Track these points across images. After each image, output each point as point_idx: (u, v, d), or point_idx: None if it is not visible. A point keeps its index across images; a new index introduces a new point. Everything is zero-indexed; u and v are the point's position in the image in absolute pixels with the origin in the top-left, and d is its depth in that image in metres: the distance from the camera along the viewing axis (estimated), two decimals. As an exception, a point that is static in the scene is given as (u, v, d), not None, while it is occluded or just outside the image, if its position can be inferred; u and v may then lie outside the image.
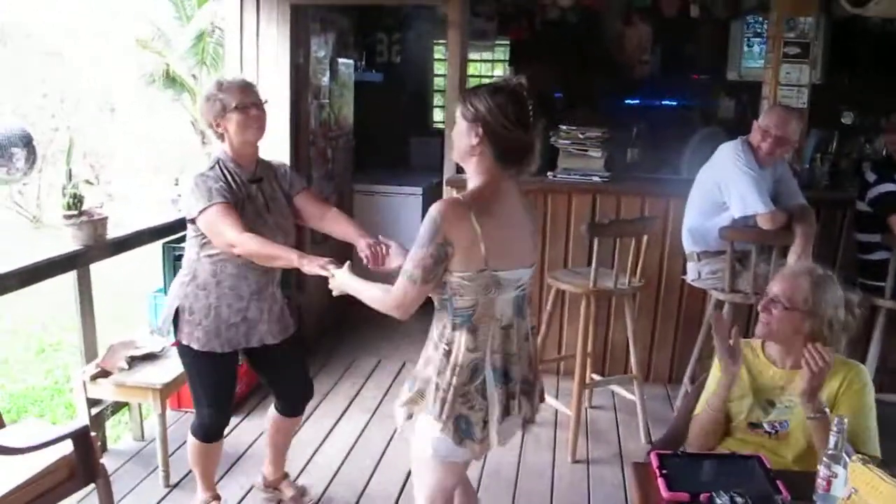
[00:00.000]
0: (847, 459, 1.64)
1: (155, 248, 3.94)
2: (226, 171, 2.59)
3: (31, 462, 2.41)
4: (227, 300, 2.65)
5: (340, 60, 5.40)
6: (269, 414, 3.06)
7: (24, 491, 2.34)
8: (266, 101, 2.68)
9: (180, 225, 3.95)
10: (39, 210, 9.94)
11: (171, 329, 2.71)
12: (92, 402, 3.29)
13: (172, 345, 3.51)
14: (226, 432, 2.92)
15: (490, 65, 7.47)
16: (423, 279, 1.94)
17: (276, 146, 3.89)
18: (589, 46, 6.51)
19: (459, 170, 4.34)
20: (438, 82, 7.30)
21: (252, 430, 3.74)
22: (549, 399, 3.39)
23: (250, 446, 3.60)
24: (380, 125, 6.44)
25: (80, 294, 3.33)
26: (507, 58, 7.20)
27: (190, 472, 3.17)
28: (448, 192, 4.25)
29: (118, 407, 3.62)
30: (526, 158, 2.00)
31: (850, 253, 4.00)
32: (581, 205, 4.27)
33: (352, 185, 5.73)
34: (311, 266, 2.31)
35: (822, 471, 1.66)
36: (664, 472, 1.81)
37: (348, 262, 2.26)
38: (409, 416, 2.10)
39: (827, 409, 2.00)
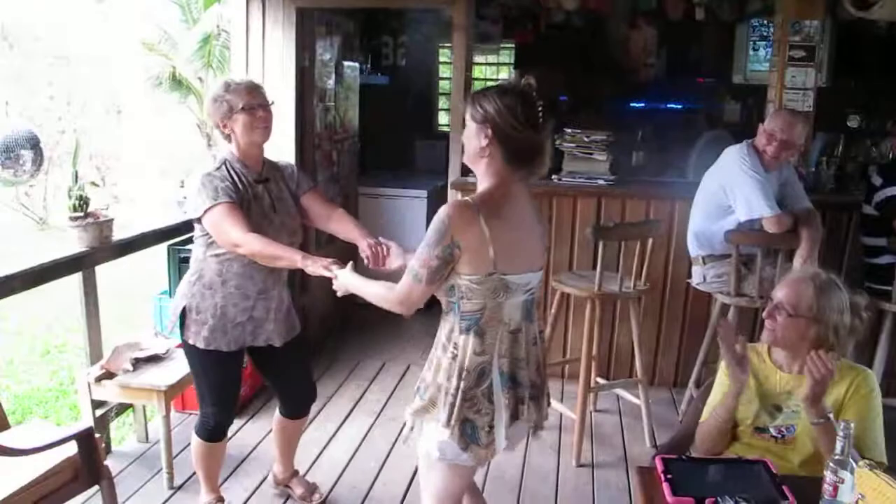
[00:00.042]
0: (854, 465, 1.63)
1: (160, 250, 3.95)
2: (232, 172, 2.60)
3: (35, 463, 2.41)
4: (233, 299, 2.66)
5: (346, 63, 5.41)
6: (275, 417, 3.09)
7: (28, 492, 2.34)
8: (273, 103, 2.69)
9: (186, 227, 3.96)
10: (46, 212, 9.96)
11: (178, 328, 2.72)
12: (96, 404, 3.30)
13: (178, 346, 3.52)
14: (230, 434, 2.93)
15: (495, 68, 7.48)
16: (428, 279, 1.94)
17: (281, 149, 3.90)
18: (594, 50, 6.52)
19: (464, 173, 4.35)
20: (443, 85, 7.31)
21: (256, 432, 3.75)
22: (553, 403, 3.38)
23: (254, 448, 3.60)
24: (385, 128, 6.46)
25: (85, 296, 3.33)
26: (512, 61, 7.21)
27: (194, 474, 3.17)
28: (453, 196, 4.25)
29: (123, 408, 3.62)
30: (536, 159, 1.98)
31: (856, 256, 3.99)
32: (586, 208, 4.26)
33: (357, 188, 5.74)
34: (315, 267, 2.31)
35: (828, 476, 1.65)
36: (669, 476, 1.80)
37: (351, 263, 2.27)
38: (418, 426, 2.09)
39: (831, 415, 1.99)
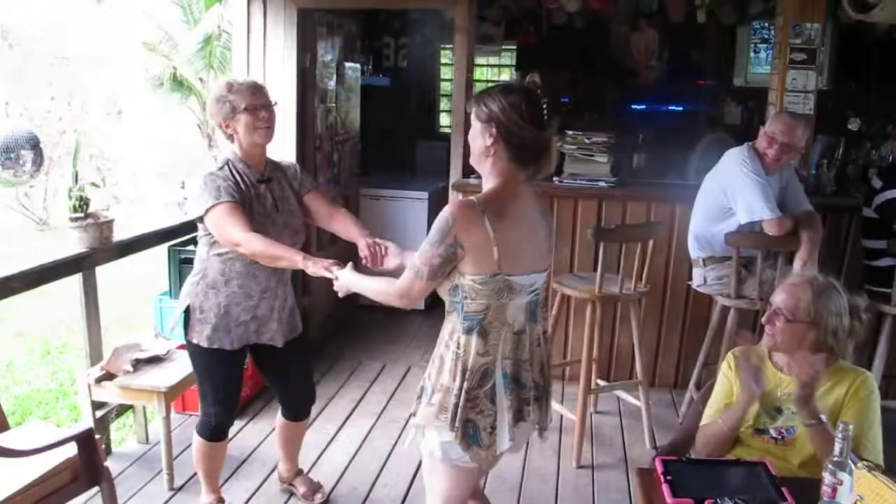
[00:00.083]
0: (853, 466, 1.63)
1: (161, 251, 3.95)
2: (235, 172, 2.61)
3: (35, 464, 2.41)
4: (236, 298, 2.67)
5: (347, 64, 5.41)
6: (277, 419, 3.10)
7: (28, 493, 2.34)
8: (276, 103, 2.70)
9: (186, 228, 3.97)
10: (46, 212, 9.96)
11: (182, 327, 2.73)
12: (96, 405, 3.30)
13: (178, 347, 3.53)
14: (230, 435, 2.93)
15: (496, 69, 7.48)
16: (429, 276, 1.94)
17: (282, 150, 3.91)
18: (595, 52, 6.53)
19: (465, 174, 4.36)
20: (445, 87, 7.32)
21: (257, 433, 3.75)
22: (554, 404, 3.37)
23: (255, 449, 3.60)
24: (386, 129, 6.46)
25: (85, 296, 3.33)
26: (514, 63, 7.22)
27: (194, 475, 3.18)
28: (454, 197, 4.25)
29: (123, 410, 3.63)
30: (542, 157, 1.99)
31: (856, 259, 3.99)
32: (587, 210, 4.26)
33: (358, 189, 5.74)
34: (316, 268, 2.32)
35: (827, 478, 1.65)
36: (668, 477, 1.80)
37: (350, 263, 2.28)
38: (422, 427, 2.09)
39: (823, 416, 1.99)
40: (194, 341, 2.70)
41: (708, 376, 3.36)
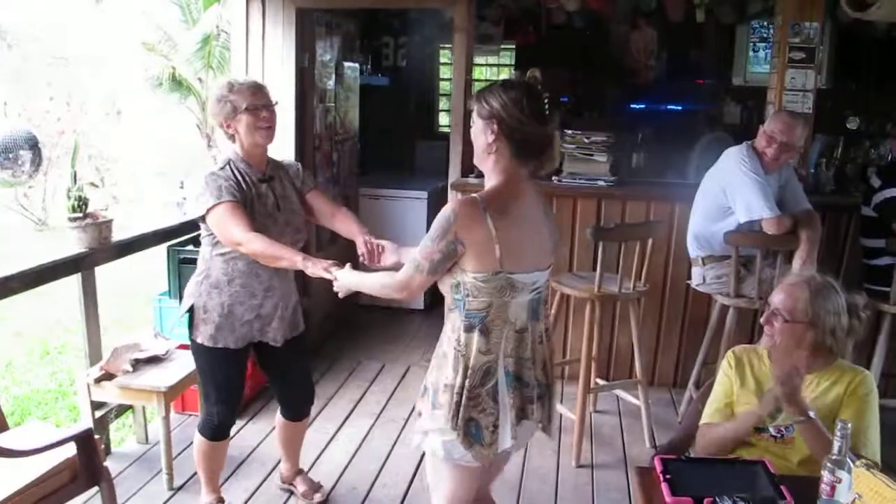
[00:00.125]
0: (851, 464, 1.63)
1: (160, 251, 3.95)
2: (236, 171, 2.62)
3: (34, 465, 2.41)
4: (239, 298, 2.68)
5: (346, 64, 5.41)
6: (277, 419, 3.11)
7: (27, 493, 2.34)
8: (277, 103, 2.70)
9: (185, 228, 3.97)
10: (45, 213, 9.96)
11: (187, 327, 2.74)
12: (96, 405, 3.29)
13: (178, 347, 3.53)
14: (231, 434, 2.93)
15: (496, 69, 7.49)
16: (430, 270, 1.95)
17: (281, 150, 3.90)
18: (594, 51, 6.54)
19: (465, 174, 4.36)
20: (444, 86, 7.32)
21: (256, 433, 3.75)
22: (553, 403, 3.38)
23: (255, 449, 3.60)
24: (385, 129, 6.46)
25: (84, 296, 3.33)
26: (513, 62, 7.23)
27: (194, 474, 3.18)
28: (454, 196, 4.25)
29: (122, 410, 3.63)
30: (544, 153, 1.98)
31: (855, 258, 3.99)
32: (586, 209, 4.26)
33: (357, 189, 5.74)
34: (315, 268, 2.33)
35: (825, 476, 1.65)
36: (668, 476, 1.80)
37: (349, 264, 2.29)
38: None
39: (811, 413, 1.99)
40: (198, 341, 2.71)
41: (707, 375, 3.36)
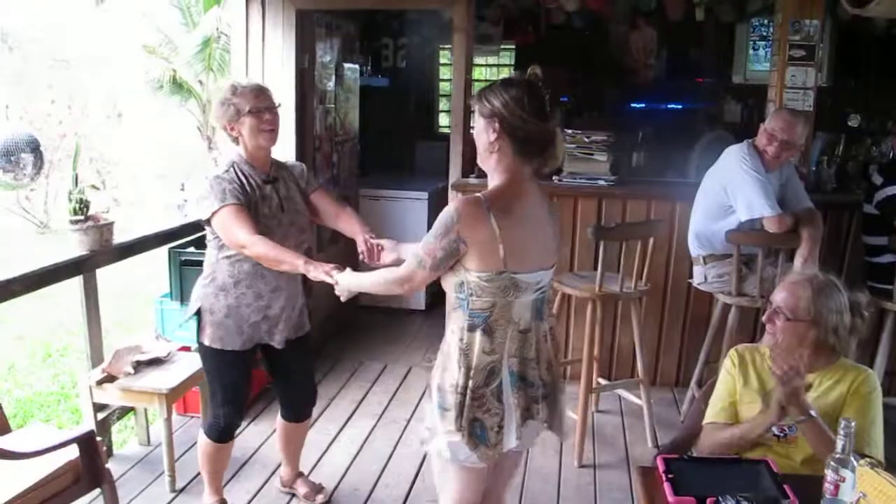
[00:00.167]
0: (855, 463, 1.63)
1: (161, 253, 3.95)
2: (240, 173, 2.63)
3: (36, 467, 2.41)
4: (246, 300, 2.69)
5: (346, 65, 5.41)
6: (277, 421, 3.11)
7: (29, 496, 2.34)
8: (280, 105, 2.72)
9: (186, 230, 3.98)
10: (47, 215, 9.97)
11: (195, 330, 2.74)
12: (98, 407, 3.29)
13: (180, 349, 3.53)
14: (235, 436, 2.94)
15: (495, 69, 7.48)
16: (432, 267, 1.95)
17: (281, 151, 3.89)
18: (594, 51, 6.54)
19: (465, 174, 4.36)
20: (444, 87, 7.32)
21: (258, 434, 3.74)
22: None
23: (256, 451, 3.59)
24: (385, 130, 6.46)
25: (86, 299, 3.33)
26: (513, 62, 7.22)
27: (196, 476, 3.18)
28: (454, 197, 4.25)
29: (124, 412, 3.63)
30: (547, 150, 1.97)
31: (857, 256, 3.98)
32: (587, 209, 4.26)
33: (357, 190, 5.74)
34: (317, 272, 2.35)
35: (829, 475, 1.64)
36: (670, 476, 1.80)
37: (349, 268, 2.29)
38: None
39: (813, 412, 1.98)
40: (206, 343, 2.72)
41: (709, 374, 3.36)
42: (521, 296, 1.97)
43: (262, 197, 2.65)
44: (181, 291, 3.81)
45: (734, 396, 2.23)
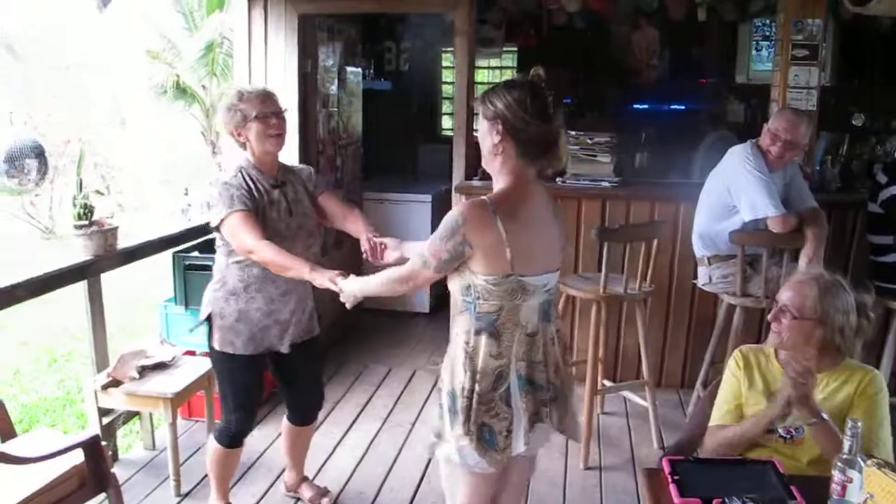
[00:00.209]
0: (862, 464, 1.62)
1: (166, 258, 3.95)
2: (248, 179, 2.64)
3: (42, 472, 2.41)
4: (256, 304, 2.69)
5: (348, 69, 5.42)
6: (283, 424, 3.11)
7: (35, 500, 2.34)
8: (286, 110, 2.73)
9: (190, 234, 3.98)
10: (52, 221, 10.00)
11: (206, 336, 2.75)
12: (103, 412, 3.30)
13: (185, 353, 3.53)
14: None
15: (498, 72, 7.48)
16: (436, 268, 1.95)
17: (284, 155, 3.89)
18: (596, 52, 6.53)
19: (468, 176, 4.35)
20: (446, 90, 7.32)
21: (264, 438, 3.74)
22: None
23: (261, 455, 3.59)
24: (388, 133, 6.46)
25: (90, 304, 3.34)
26: (515, 65, 7.22)
27: (201, 480, 3.19)
28: (457, 199, 4.25)
29: (129, 416, 3.63)
30: (550, 151, 1.97)
31: (862, 255, 3.97)
32: (590, 210, 4.26)
33: (361, 193, 5.75)
34: (322, 279, 2.35)
35: (836, 475, 1.64)
36: (676, 477, 1.80)
37: (352, 275, 2.29)
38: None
39: (825, 414, 1.97)
40: (217, 348, 2.73)
41: (715, 375, 3.34)
42: (529, 299, 1.96)
43: (271, 202, 2.66)
44: (185, 296, 3.81)
45: (740, 399, 2.22)
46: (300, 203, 2.76)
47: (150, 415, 3.58)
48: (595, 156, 4.28)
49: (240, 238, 2.53)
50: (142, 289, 6.30)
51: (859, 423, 1.64)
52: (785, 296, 2.16)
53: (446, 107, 7.39)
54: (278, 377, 3.04)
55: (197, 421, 3.83)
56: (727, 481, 1.82)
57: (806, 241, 3.36)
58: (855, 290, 2.14)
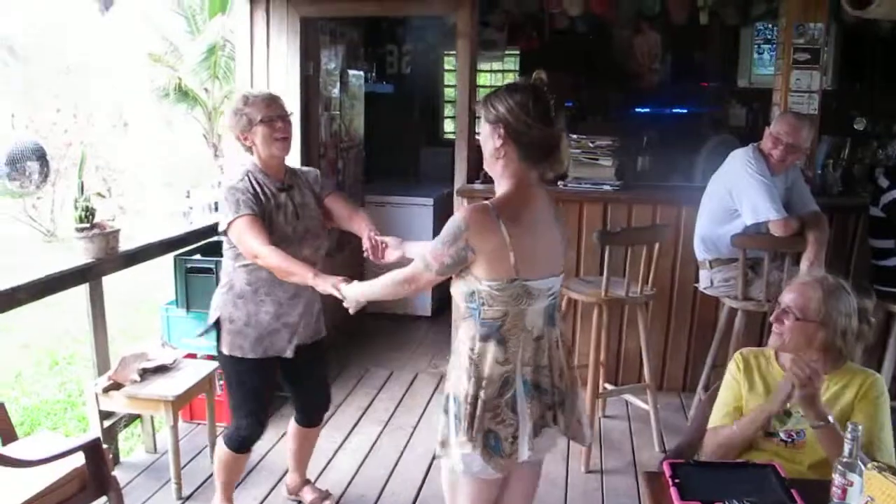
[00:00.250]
0: (862, 467, 1.62)
1: (167, 261, 3.96)
2: (254, 183, 2.64)
3: (43, 474, 2.41)
4: (264, 307, 2.70)
5: (350, 72, 5.43)
6: (290, 425, 3.12)
7: (36, 503, 2.34)
8: (292, 113, 2.74)
9: (192, 237, 3.99)
10: (53, 224, 10.00)
11: (215, 340, 2.75)
12: (104, 415, 3.30)
13: (186, 356, 3.53)
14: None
15: (500, 75, 7.49)
16: (438, 272, 1.95)
17: (286, 158, 3.91)
18: (598, 55, 6.53)
19: (470, 180, 4.36)
20: (448, 93, 7.33)
21: (265, 441, 3.71)
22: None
23: (263, 457, 3.59)
24: (390, 136, 6.47)
25: (91, 307, 3.34)
26: (517, 68, 7.22)
27: (202, 483, 3.19)
28: (459, 203, 4.25)
29: (131, 419, 3.63)
30: (552, 155, 1.96)
31: (863, 259, 3.97)
32: (592, 213, 4.26)
33: (363, 196, 5.75)
34: (325, 285, 2.36)
35: (836, 479, 1.64)
36: (677, 481, 1.79)
37: (355, 281, 2.30)
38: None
39: (831, 418, 1.97)
40: (225, 352, 2.73)
41: (716, 378, 3.33)
42: (534, 303, 1.96)
43: (277, 205, 2.67)
44: (187, 299, 3.81)
45: (740, 402, 2.22)
46: (307, 206, 2.76)
47: (152, 418, 3.58)
48: (597, 159, 4.28)
49: (246, 243, 2.54)
50: (143, 292, 6.31)
51: (859, 427, 1.64)
52: (788, 297, 2.15)
53: (448, 110, 7.40)
54: (285, 379, 3.04)
55: (198, 424, 3.83)
56: (728, 485, 1.82)
57: (807, 244, 3.36)
58: (856, 294, 2.14)
